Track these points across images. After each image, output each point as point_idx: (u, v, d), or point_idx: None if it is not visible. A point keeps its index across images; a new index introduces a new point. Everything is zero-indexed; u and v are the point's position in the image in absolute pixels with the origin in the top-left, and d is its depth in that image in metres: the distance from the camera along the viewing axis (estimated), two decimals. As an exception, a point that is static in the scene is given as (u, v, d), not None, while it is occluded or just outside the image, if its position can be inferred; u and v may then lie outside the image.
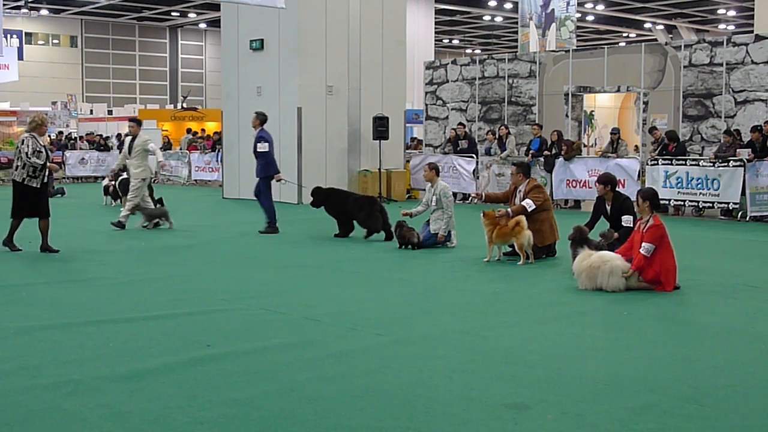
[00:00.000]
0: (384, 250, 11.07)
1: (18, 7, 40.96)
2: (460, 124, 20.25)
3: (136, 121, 13.99)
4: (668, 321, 6.88)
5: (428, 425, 4.30)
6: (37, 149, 10.44)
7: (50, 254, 10.53)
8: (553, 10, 29.72)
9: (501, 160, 18.69)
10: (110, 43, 53.25)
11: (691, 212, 16.13)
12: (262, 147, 13.26)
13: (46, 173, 10.61)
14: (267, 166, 13.37)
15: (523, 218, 9.85)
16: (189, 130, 29.83)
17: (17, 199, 10.54)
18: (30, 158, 10.34)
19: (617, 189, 9.90)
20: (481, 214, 10.15)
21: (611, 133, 18.13)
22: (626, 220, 9.31)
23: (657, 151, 16.50)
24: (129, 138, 13.72)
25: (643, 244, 8.03)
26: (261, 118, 13.67)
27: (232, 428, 4.23)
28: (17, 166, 10.43)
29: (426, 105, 23.34)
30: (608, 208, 9.68)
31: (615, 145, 17.61)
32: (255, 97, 19.77)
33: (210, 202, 19.72)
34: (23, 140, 10.48)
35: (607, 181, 9.73)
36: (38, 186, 10.51)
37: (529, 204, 10.14)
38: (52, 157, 25.38)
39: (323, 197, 12.77)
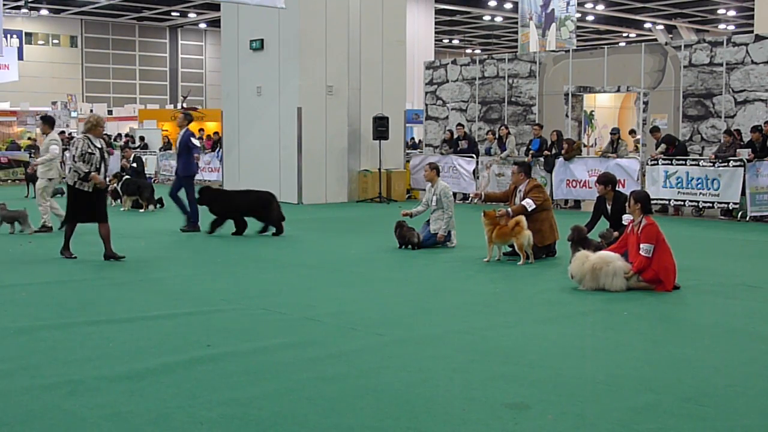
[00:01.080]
0: (384, 250, 11.07)
1: (18, 7, 40.97)
2: (459, 125, 20.26)
3: (46, 120, 13.11)
4: (668, 321, 6.88)
5: (428, 425, 4.30)
6: (89, 151, 9.75)
7: (50, 253, 10.49)
8: (553, 10, 29.72)
9: (501, 160, 18.69)
10: (110, 43, 53.27)
11: (691, 212, 16.13)
12: (196, 141, 13.34)
13: (105, 172, 9.95)
14: (191, 165, 13.26)
15: (523, 218, 9.85)
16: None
17: (70, 203, 10.01)
18: (76, 162, 9.72)
19: (617, 189, 9.90)
20: (482, 214, 10.15)
21: (611, 133, 18.14)
22: (627, 220, 9.30)
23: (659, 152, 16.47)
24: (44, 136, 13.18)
25: (642, 245, 8.02)
26: (189, 119, 13.70)
27: (232, 428, 4.23)
28: (69, 168, 9.98)
29: (426, 105, 23.35)
30: (609, 207, 9.68)
31: (615, 145, 17.62)
32: (255, 97, 19.77)
33: (210, 202, 19.68)
34: (74, 142, 9.93)
35: (607, 181, 9.73)
36: (90, 189, 9.83)
37: (529, 204, 10.14)
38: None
39: (209, 197, 12.88)
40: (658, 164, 16.08)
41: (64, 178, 11.79)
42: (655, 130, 17.39)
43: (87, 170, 9.72)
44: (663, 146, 16.50)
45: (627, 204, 8.76)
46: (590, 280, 8.09)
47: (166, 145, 27.85)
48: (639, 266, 7.99)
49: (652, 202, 16.05)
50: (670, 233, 13.00)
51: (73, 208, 9.98)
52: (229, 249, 11.32)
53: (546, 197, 10.58)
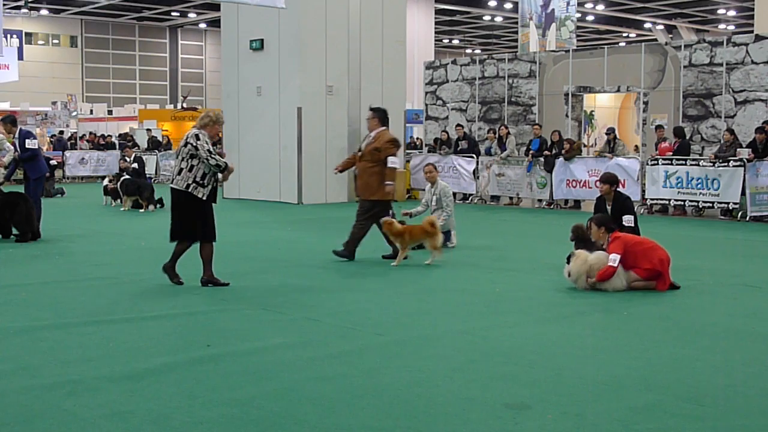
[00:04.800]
0: (384, 250, 11.05)
1: (18, 7, 40.96)
2: (458, 125, 20.25)
3: (7, 120, 12.53)
4: (668, 321, 6.88)
5: (428, 425, 4.30)
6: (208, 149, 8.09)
7: (50, 254, 10.50)
8: (553, 10, 29.72)
9: (501, 160, 18.69)
10: (110, 43, 53.26)
11: (691, 212, 16.13)
12: (32, 144, 12.17)
13: (215, 183, 8.19)
14: (42, 165, 12.42)
15: (435, 219, 9.87)
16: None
17: (176, 215, 8.17)
18: (212, 157, 7.97)
19: (618, 189, 9.90)
20: (384, 223, 9.87)
21: (606, 133, 18.12)
22: (627, 220, 9.31)
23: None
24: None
25: (610, 255, 8.03)
26: (10, 121, 12.44)
27: (232, 428, 4.23)
28: (180, 170, 8.04)
29: (426, 105, 23.36)
30: (609, 207, 9.67)
31: (612, 145, 17.61)
32: (255, 97, 19.78)
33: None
34: (197, 135, 8.02)
35: (609, 180, 9.74)
36: (204, 197, 8.07)
37: (394, 162, 10.04)
38: (54, 157, 25.60)
39: None
40: (658, 164, 16.08)
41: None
42: (659, 128, 17.39)
43: (223, 165, 8.09)
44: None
45: (589, 230, 8.75)
46: (587, 281, 8.09)
47: (166, 145, 27.86)
48: (602, 275, 7.97)
49: (652, 202, 16.17)
50: (671, 233, 13.06)
51: (178, 222, 8.17)
52: (228, 249, 11.29)
53: (399, 145, 10.41)
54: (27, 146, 12.04)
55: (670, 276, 8.14)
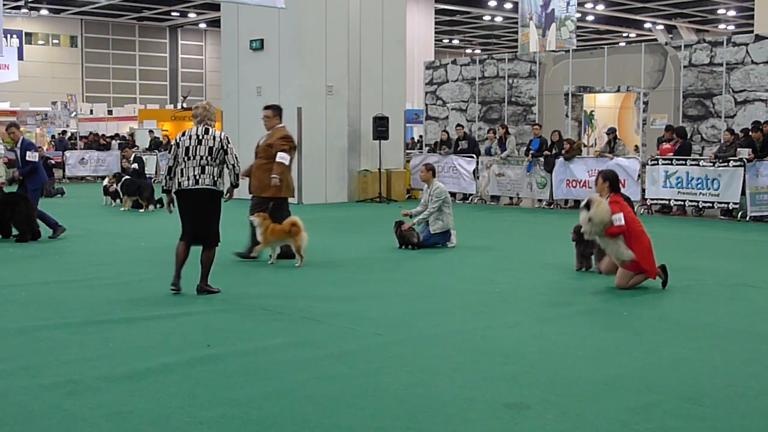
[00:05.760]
0: (384, 250, 11.06)
1: (18, 7, 40.96)
2: (459, 125, 20.25)
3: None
4: (668, 321, 6.88)
5: (428, 425, 4.30)
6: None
7: (50, 254, 10.50)
8: (553, 10, 29.73)
9: (501, 160, 18.69)
10: (110, 43, 53.27)
11: (691, 212, 16.13)
12: (33, 156, 11.85)
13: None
14: (41, 176, 12.20)
15: (298, 219, 9.57)
16: None
17: (203, 215, 7.70)
18: (239, 165, 7.83)
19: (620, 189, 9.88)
20: (252, 215, 9.78)
21: (607, 133, 18.12)
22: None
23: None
24: None
25: (614, 215, 8.02)
26: (16, 125, 12.55)
27: (232, 428, 4.23)
28: (203, 168, 7.59)
29: (426, 105, 23.36)
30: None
31: (612, 145, 17.60)
32: (255, 97, 19.76)
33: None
34: (228, 138, 7.80)
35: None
36: (221, 191, 7.77)
37: (283, 157, 9.83)
38: (53, 157, 25.63)
39: None
40: (658, 164, 16.08)
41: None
42: (668, 128, 17.31)
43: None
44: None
45: (595, 182, 8.78)
46: (599, 232, 8.01)
47: (167, 145, 27.85)
48: (611, 231, 7.98)
49: (653, 202, 16.17)
50: (671, 233, 13.07)
51: (185, 221, 7.83)
52: (228, 249, 11.29)
53: (295, 145, 10.25)
54: (27, 159, 11.76)
55: (653, 261, 8.14)
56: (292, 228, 9.54)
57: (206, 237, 7.75)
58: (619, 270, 8.19)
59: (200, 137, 7.66)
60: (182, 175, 7.65)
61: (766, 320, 6.94)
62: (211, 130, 7.74)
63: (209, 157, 7.60)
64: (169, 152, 7.87)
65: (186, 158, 7.63)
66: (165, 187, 7.91)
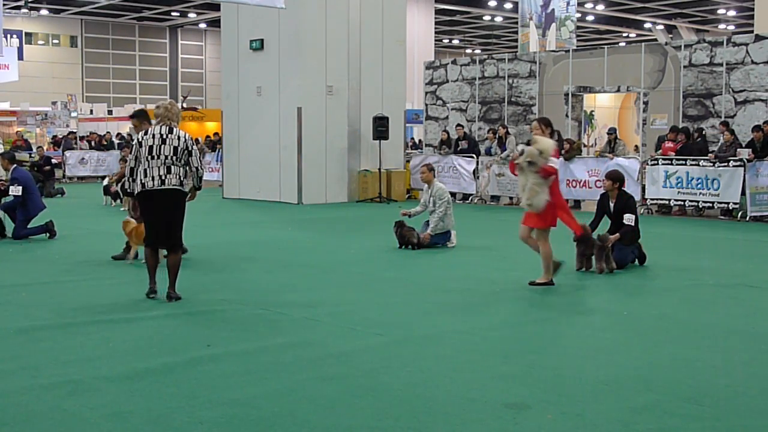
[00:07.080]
0: (384, 250, 11.06)
1: (18, 7, 40.95)
2: (459, 125, 20.24)
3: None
4: (668, 321, 6.88)
5: (428, 425, 4.30)
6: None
7: (50, 253, 10.49)
8: (553, 10, 29.73)
9: (501, 160, 18.68)
10: (110, 43, 53.25)
11: (691, 212, 16.12)
12: (15, 191, 11.65)
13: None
14: (34, 207, 11.97)
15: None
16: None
17: (167, 216, 7.45)
18: (203, 167, 7.66)
19: (623, 188, 9.92)
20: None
21: (608, 133, 18.11)
22: (628, 219, 9.34)
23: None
24: None
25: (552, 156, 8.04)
26: (9, 157, 12.34)
27: (232, 428, 4.23)
28: (169, 168, 7.34)
29: (426, 105, 23.36)
30: (611, 205, 9.70)
31: (612, 145, 17.60)
32: (255, 97, 19.78)
33: (210, 202, 19.67)
34: (195, 140, 7.63)
35: (615, 178, 9.80)
36: (186, 192, 7.55)
37: None
38: (55, 157, 25.64)
39: None
40: (658, 164, 16.08)
41: None
42: (673, 129, 17.28)
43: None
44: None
45: (534, 129, 8.53)
46: (538, 162, 8.02)
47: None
48: (546, 170, 7.99)
49: (653, 202, 16.16)
50: (671, 233, 13.07)
51: (148, 225, 7.66)
52: (228, 249, 11.30)
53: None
54: (10, 192, 11.62)
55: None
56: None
57: (173, 239, 7.51)
58: (522, 225, 8.44)
59: (164, 136, 7.37)
60: (146, 176, 7.33)
61: (766, 320, 6.94)
62: (175, 129, 7.47)
63: (174, 157, 7.34)
64: (131, 152, 7.60)
65: (150, 158, 7.33)
66: (127, 190, 7.67)
